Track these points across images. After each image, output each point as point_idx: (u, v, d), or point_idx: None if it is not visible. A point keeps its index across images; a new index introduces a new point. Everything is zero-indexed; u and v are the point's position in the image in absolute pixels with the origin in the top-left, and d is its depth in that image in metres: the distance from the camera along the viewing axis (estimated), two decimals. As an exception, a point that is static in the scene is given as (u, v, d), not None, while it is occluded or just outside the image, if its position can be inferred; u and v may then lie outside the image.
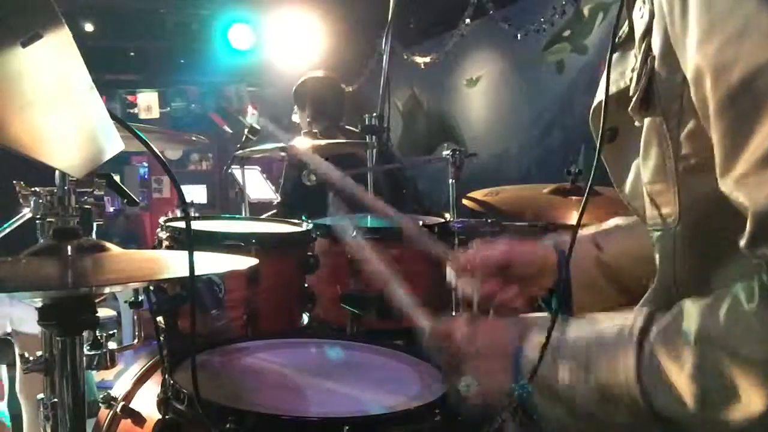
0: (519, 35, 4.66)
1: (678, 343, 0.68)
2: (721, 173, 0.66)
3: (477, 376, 0.87)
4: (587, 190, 0.79)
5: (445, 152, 1.88)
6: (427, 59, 5.50)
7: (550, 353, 0.78)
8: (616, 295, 1.08)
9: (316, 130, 3.03)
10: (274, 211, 2.93)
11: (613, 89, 0.83)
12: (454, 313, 1.79)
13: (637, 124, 0.81)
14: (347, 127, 3.09)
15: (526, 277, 1.06)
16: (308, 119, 3.08)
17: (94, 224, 1.11)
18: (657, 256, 0.84)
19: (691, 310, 0.69)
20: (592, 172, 0.80)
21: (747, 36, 0.62)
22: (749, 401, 0.62)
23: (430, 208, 2.00)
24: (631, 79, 0.80)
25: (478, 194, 1.86)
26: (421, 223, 1.91)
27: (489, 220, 1.81)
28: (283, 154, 2.61)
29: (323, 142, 2.54)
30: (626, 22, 0.84)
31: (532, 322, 0.90)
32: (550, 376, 0.79)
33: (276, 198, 3.00)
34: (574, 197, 2.00)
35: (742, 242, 0.63)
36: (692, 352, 0.66)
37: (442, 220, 1.84)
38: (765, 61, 0.60)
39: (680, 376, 0.67)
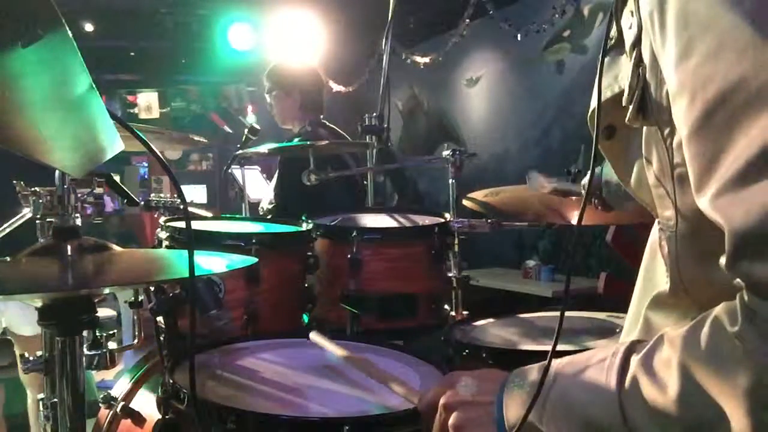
0: (519, 35, 4.65)
1: (660, 370, 0.66)
2: (695, 191, 0.65)
3: (460, 428, 0.83)
4: (586, 191, 0.79)
5: (445, 152, 1.88)
6: (427, 59, 5.49)
7: (531, 402, 0.75)
8: None
9: (297, 120, 2.98)
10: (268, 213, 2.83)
11: (608, 93, 0.82)
12: (454, 312, 1.80)
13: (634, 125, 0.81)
14: (329, 124, 3.02)
15: None
16: (297, 106, 3.01)
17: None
18: (666, 255, 0.83)
19: (673, 337, 0.67)
20: (590, 174, 0.80)
21: (723, 53, 0.61)
22: (734, 427, 0.60)
23: (430, 208, 1.99)
24: (624, 87, 0.80)
25: (478, 194, 1.85)
26: (421, 222, 1.91)
27: (489, 220, 1.80)
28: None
29: (323, 142, 2.52)
30: (614, 27, 0.84)
31: (515, 371, 0.86)
32: (535, 424, 0.75)
33: (269, 201, 2.90)
34: (574, 197, 2.00)
35: (722, 261, 0.61)
36: (675, 379, 0.64)
37: (442, 220, 1.84)
38: (740, 78, 0.59)
39: (664, 403, 0.65)
